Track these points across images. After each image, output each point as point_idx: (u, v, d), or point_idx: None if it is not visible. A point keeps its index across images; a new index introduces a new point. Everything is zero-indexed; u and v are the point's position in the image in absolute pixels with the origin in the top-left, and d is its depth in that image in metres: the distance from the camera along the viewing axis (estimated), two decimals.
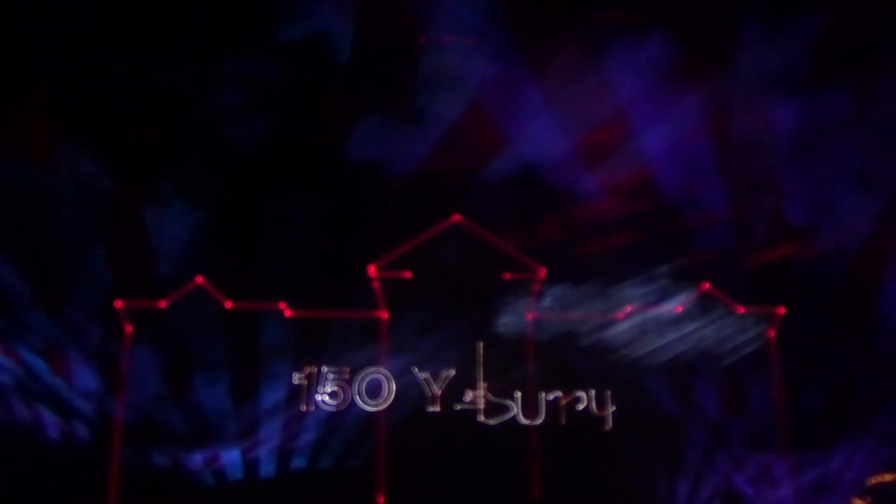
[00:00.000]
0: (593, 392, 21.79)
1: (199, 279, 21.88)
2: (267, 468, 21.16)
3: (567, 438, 21.58)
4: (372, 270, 22.08)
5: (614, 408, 21.73)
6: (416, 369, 21.67)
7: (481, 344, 21.72)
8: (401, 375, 21.61)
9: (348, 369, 21.81)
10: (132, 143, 22.04)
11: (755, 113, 22.18)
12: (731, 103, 22.14)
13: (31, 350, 21.15)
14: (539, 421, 21.55)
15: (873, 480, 21.10)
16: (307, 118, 22.74)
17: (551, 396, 21.73)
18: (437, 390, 21.62)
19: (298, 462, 21.26)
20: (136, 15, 21.65)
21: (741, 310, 22.13)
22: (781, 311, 22.15)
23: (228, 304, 21.83)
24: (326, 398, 21.62)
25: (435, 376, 21.69)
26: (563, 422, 21.63)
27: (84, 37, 21.39)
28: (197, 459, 20.84)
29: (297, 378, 21.63)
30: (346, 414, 21.50)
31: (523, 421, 21.51)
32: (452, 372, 21.64)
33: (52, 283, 21.34)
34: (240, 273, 22.05)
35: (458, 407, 21.52)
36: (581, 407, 21.73)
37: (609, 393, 21.79)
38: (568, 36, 21.75)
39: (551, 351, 21.90)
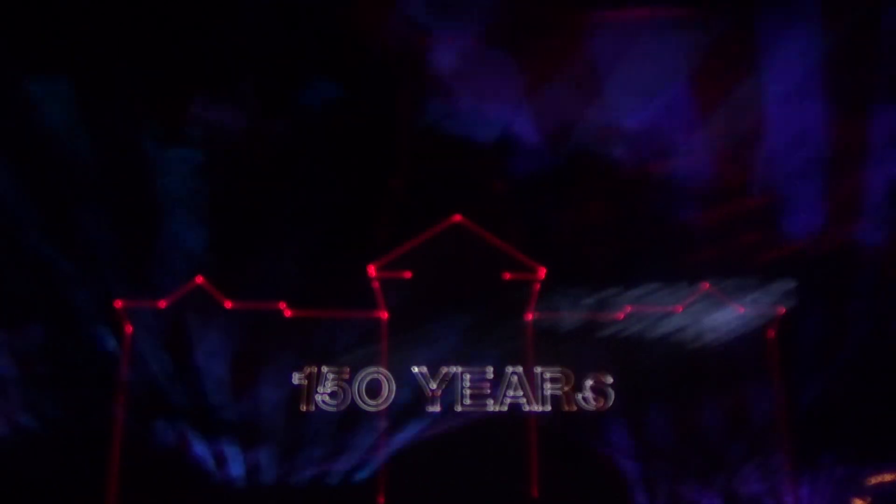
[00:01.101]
0: (592, 392, 21.86)
1: (199, 279, 21.89)
2: (269, 467, 21.21)
3: (567, 435, 21.64)
4: (372, 270, 22.08)
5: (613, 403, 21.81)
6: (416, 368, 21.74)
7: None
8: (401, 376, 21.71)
9: (348, 369, 21.82)
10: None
11: None
12: None
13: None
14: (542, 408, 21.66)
15: (873, 480, 21.10)
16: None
17: (552, 390, 21.85)
18: (438, 389, 21.69)
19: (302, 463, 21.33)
20: None
21: (741, 310, 22.13)
22: (782, 311, 22.16)
23: (228, 304, 21.84)
24: (326, 398, 21.63)
25: (434, 375, 21.75)
26: (563, 418, 21.71)
27: None
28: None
29: (297, 378, 21.64)
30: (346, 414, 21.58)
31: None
32: (454, 369, 21.69)
33: None
34: (240, 273, 22.09)
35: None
36: (581, 402, 21.81)
37: (609, 390, 21.84)
38: None
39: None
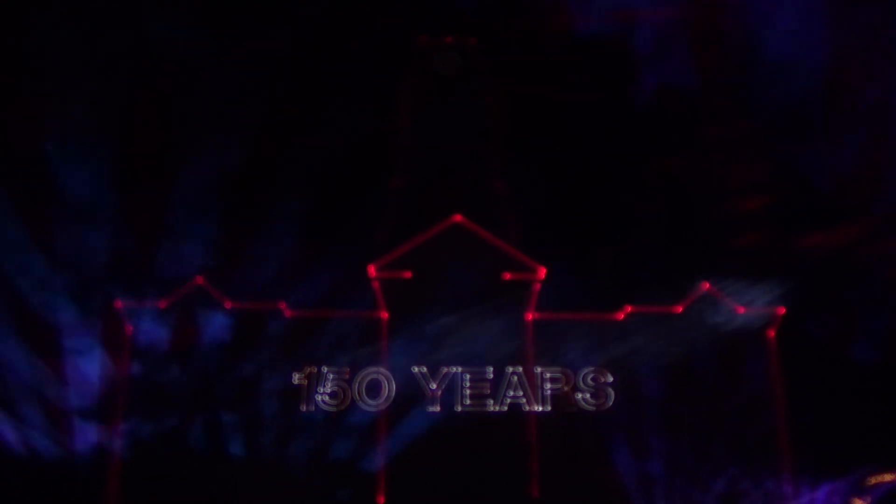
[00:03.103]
0: (591, 391, 21.86)
1: (199, 279, 21.88)
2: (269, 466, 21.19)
3: (566, 436, 21.64)
4: (372, 270, 22.07)
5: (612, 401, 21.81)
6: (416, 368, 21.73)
7: None
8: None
9: (348, 369, 21.80)
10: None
11: None
12: None
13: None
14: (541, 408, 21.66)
15: (873, 480, 21.10)
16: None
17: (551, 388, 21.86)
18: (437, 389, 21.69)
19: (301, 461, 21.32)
20: None
21: (741, 310, 22.13)
22: (781, 311, 22.16)
23: (228, 304, 21.82)
24: (326, 398, 21.62)
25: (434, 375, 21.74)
26: (563, 418, 21.70)
27: None
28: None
29: (296, 378, 21.63)
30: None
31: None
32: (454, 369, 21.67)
33: None
34: (240, 273, 22.11)
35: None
36: (580, 401, 21.82)
37: (609, 390, 21.84)
38: None
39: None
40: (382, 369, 21.75)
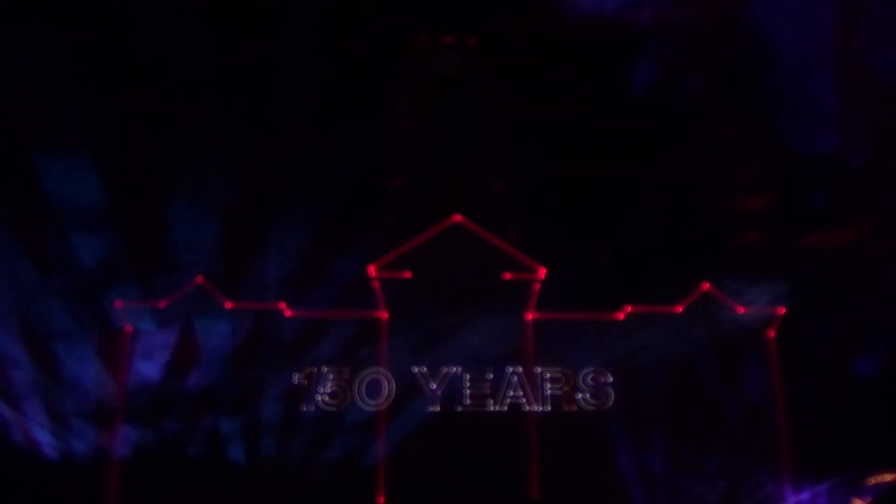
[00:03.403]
0: (591, 391, 21.86)
1: (199, 279, 21.90)
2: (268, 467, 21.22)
3: (566, 436, 21.64)
4: (372, 270, 22.08)
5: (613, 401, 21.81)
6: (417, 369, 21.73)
7: None
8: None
9: (348, 369, 21.81)
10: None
11: None
12: None
13: None
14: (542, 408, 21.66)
15: (873, 480, 21.08)
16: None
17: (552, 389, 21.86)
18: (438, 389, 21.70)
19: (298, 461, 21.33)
20: None
21: (741, 310, 22.11)
22: (782, 311, 22.13)
23: (228, 304, 21.84)
24: (326, 398, 21.63)
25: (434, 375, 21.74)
26: (563, 418, 21.70)
27: None
28: None
29: (297, 378, 21.64)
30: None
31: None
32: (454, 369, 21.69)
33: None
34: (240, 273, 22.13)
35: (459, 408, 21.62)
36: (580, 401, 21.81)
37: (609, 390, 21.83)
38: None
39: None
40: (382, 369, 21.76)
